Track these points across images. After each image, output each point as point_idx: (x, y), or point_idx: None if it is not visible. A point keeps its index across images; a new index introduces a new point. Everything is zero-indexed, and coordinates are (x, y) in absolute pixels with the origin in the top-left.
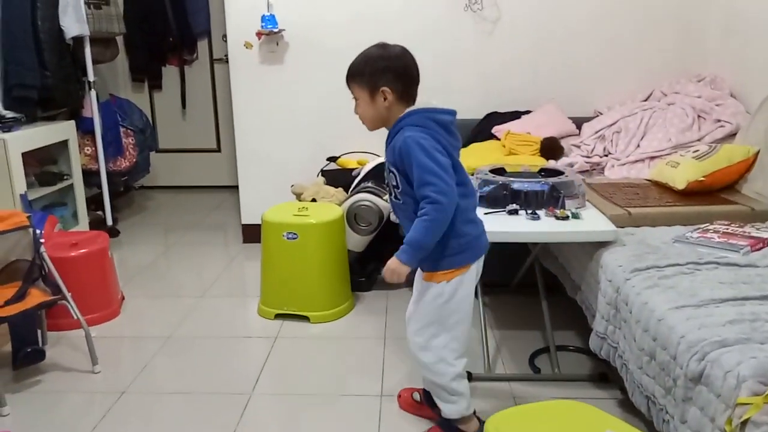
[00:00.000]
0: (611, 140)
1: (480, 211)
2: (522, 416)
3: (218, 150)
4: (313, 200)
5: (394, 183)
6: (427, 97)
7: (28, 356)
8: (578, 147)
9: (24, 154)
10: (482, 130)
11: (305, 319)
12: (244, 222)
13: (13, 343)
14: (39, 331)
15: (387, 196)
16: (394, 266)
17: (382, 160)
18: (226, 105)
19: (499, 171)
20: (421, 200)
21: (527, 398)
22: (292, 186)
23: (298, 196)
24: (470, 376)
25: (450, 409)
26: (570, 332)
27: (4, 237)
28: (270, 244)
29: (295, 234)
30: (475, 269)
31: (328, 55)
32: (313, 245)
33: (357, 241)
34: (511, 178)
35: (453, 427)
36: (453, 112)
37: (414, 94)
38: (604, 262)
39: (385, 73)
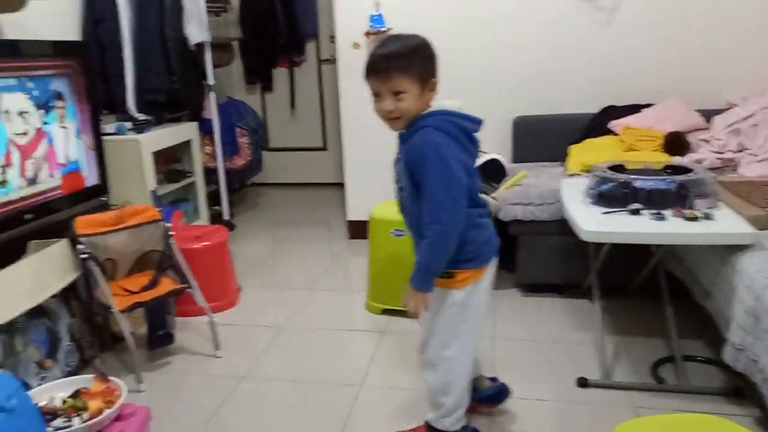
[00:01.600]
0: (747, 134)
1: (599, 211)
2: (650, 428)
3: (324, 148)
4: None
5: (401, 184)
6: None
7: (160, 339)
8: (707, 142)
9: (154, 154)
10: (598, 124)
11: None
12: (349, 218)
13: (148, 326)
14: (168, 316)
15: (494, 194)
16: (412, 296)
17: (490, 156)
18: (333, 104)
19: (618, 168)
20: (427, 216)
21: (650, 409)
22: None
23: None
24: (586, 382)
25: (444, 423)
26: (697, 341)
27: (140, 229)
28: (377, 241)
29: (401, 231)
30: (489, 274)
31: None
32: None
33: None
34: (633, 176)
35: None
36: (479, 122)
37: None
38: (742, 267)
39: (433, 61)
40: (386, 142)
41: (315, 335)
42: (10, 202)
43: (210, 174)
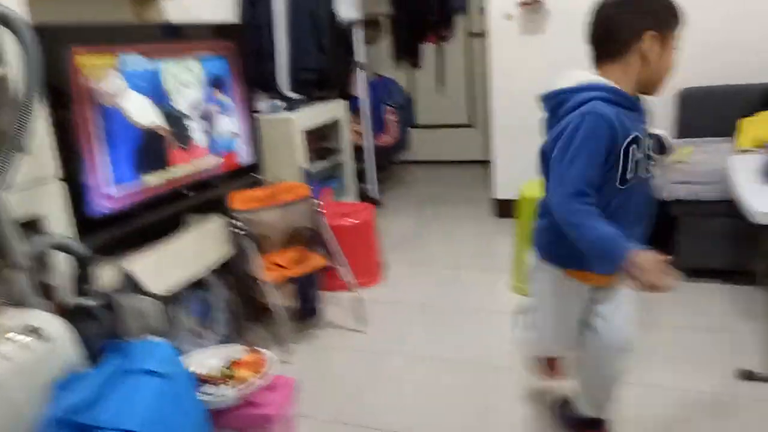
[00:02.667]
0: None
1: None
2: None
3: (471, 125)
4: None
5: (650, 154)
6: None
7: (309, 313)
8: None
9: (305, 132)
10: None
11: None
12: (496, 196)
13: (297, 299)
14: (317, 291)
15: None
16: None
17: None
18: (480, 80)
19: None
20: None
21: None
22: None
23: None
24: (751, 375)
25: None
26: None
27: (291, 206)
28: (526, 220)
29: None
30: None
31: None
32: None
33: None
34: None
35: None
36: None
37: None
38: None
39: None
40: (537, 117)
41: (459, 315)
42: (175, 179)
43: (358, 152)
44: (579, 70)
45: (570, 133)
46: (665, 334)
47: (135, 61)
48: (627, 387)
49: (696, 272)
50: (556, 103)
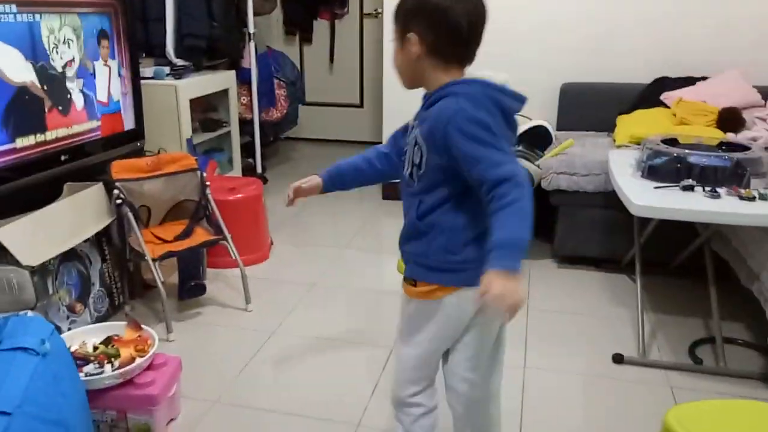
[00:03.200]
0: None
1: (649, 185)
2: (709, 413)
3: (361, 106)
4: None
5: (417, 161)
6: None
7: (192, 289)
8: (764, 120)
9: (191, 101)
10: (649, 95)
11: None
12: None
13: (180, 275)
14: (201, 267)
15: (538, 161)
16: (504, 283)
17: (535, 123)
18: (372, 61)
19: (671, 142)
20: (491, 183)
21: (687, 390)
22: None
23: None
24: (622, 359)
25: None
26: (739, 324)
27: (176, 177)
28: None
29: None
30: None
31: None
32: None
33: None
34: (687, 150)
35: None
36: (523, 101)
37: (458, 55)
38: None
39: (417, 14)
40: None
41: (345, 294)
42: (48, 141)
43: (244, 125)
44: None
45: None
46: (541, 317)
47: (7, 10)
48: (507, 370)
49: (572, 259)
50: None
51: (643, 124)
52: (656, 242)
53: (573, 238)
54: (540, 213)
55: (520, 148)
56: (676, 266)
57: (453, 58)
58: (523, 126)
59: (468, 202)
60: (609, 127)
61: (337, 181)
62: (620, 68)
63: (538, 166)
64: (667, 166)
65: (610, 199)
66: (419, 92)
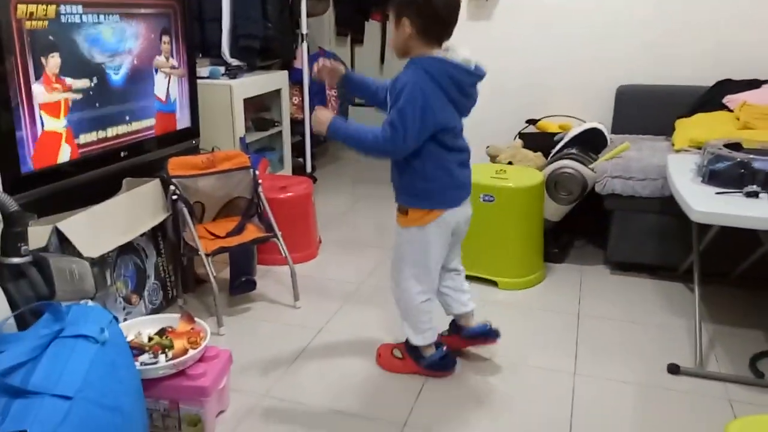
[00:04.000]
0: None
1: (711, 191)
2: None
3: None
4: (510, 163)
5: (387, 110)
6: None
7: (242, 285)
8: None
9: (244, 101)
10: (711, 99)
11: (493, 284)
12: None
13: (231, 271)
14: (252, 263)
15: (592, 165)
16: (323, 119)
17: (589, 125)
18: None
19: (735, 146)
20: (385, 123)
21: (746, 404)
22: (488, 147)
23: (493, 158)
24: (678, 369)
25: (417, 339)
26: None
27: (230, 175)
28: None
29: (491, 196)
30: (446, 223)
31: (539, 12)
32: (510, 209)
33: (555, 210)
34: (752, 155)
35: (413, 348)
36: (478, 75)
37: (437, 34)
38: None
39: (410, 5)
40: (479, 104)
41: (391, 295)
42: (109, 138)
43: (295, 125)
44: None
45: None
46: (593, 324)
47: (73, 11)
48: (555, 375)
49: (626, 266)
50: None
51: (704, 128)
52: (716, 250)
53: (627, 244)
54: (593, 217)
55: (573, 150)
56: (737, 276)
57: (433, 36)
58: (576, 129)
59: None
60: (666, 131)
61: (353, 81)
62: (679, 71)
63: (592, 170)
64: (729, 172)
65: (666, 205)
66: None
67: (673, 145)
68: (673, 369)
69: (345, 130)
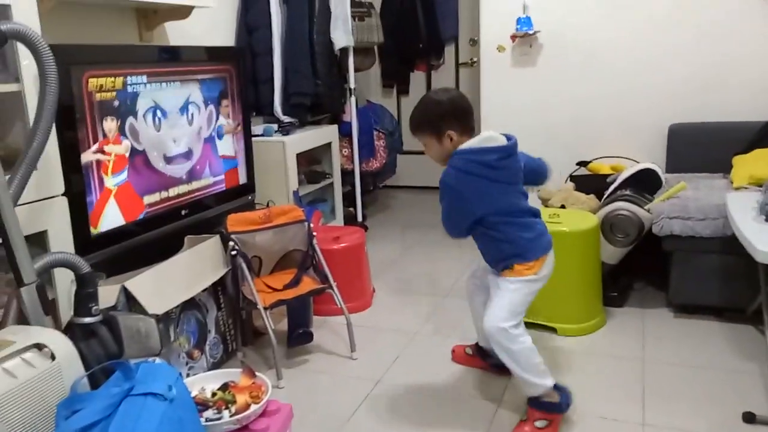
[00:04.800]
0: None
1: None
2: None
3: None
4: (562, 206)
5: None
6: None
7: (300, 337)
8: None
9: (297, 155)
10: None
11: (552, 330)
12: None
13: (289, 323)
14: (309, 315)
15: (648, 206)
16: None
17: (643, 166)
18: None
19: None
20: None
21: None
22: (539, 191)
23: (545, 202)
24: (754, 418)
25: (545, 381)
26: None
27: (286, 229)
28: None
29: None
30: (541, 269)
31: (584, 54)
32: (566, 254)
33: (611, 253)
34: None
35: (543, 403)
36: (502, 150)
37: (471, 125)
38: None
39: (443, 118)
40: (527, 146)
41: (449, 343)
42: (171, 198)
43: (346, 175)
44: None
45: None
46: (659, 370)
47: (138, 81)
48: (625, 426)
49: (689, 308)
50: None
51: (763, 164)
52: None
53: (689, 286)
54: (652, 259)
55: (627, 192)
56: None
57: (469, 130)
58: (629, 170)
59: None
60: (723, 169)
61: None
62: (732, 106)
63: (648, 211)
64: None
65: (728, 245)
66: (518, 136)
67: (731, 182)
68: (749, 418)
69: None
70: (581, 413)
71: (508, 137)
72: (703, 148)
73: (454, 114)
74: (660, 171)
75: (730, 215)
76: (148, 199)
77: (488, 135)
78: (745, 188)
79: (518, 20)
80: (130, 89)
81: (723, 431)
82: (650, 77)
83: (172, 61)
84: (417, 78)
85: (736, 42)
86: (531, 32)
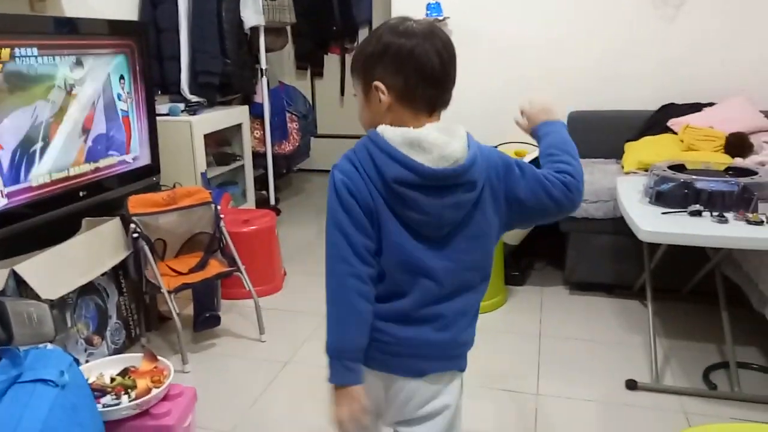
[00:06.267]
0: None
1: (657, 210)
2: None
3: None
4: None
5: None
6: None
7: (206, 321)
8: None
9: (205, 136)
10: (656, 122)
11: None
12: None
13: (195, 307)
14: (216, 299)
15: None
16: (335, 402)
17: (537, 153)
18: None
19: (678, 168)
20: None
21: (702, 416)
22: None
23: None
24: (635, 385)
25: None
26: (752, 348)
27: (191, 211)
28: None
29: None
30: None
31: (492, 42)
32: None
33: (513, 235)
34: (694, 176)
35: None
36: (437, 173)
37: (429, 98)
38: None
39: (381, 58)
40: None
41: None
42: (67, 179)
43: (257, 158)
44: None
45: None
46: (555, 344)
47: (29, 53)
48: (519, 396)
49: (583, 285)
50: None
51: (650, 151)
52: (667, 268)
53: (584, 265)
54: (550, 239)
55: None
56: (688, 291)
57: (423, 102)
58: (530, 154)
59: None
60: (617, 154)
61: None
62: (627, 95)
63: None
64: (674, 192)
65: (619, 226)
66: None
67: (622, 167)
68: (631, 385)
69: (329, 345)
70: (481, 386)
71: (471, 156)
72: (598, 135)
73: (400, 59)
74: None
75: (618, 198)
76: (40, 180)
77: (425, 135)
78: (634, 173)
79: (428, 5)
80: (19, 62)
81: (609, 398)
82: (553, 66)
83: (68, 33)
84: (331, 61)
85: (631, 35)
86: (441, 18)
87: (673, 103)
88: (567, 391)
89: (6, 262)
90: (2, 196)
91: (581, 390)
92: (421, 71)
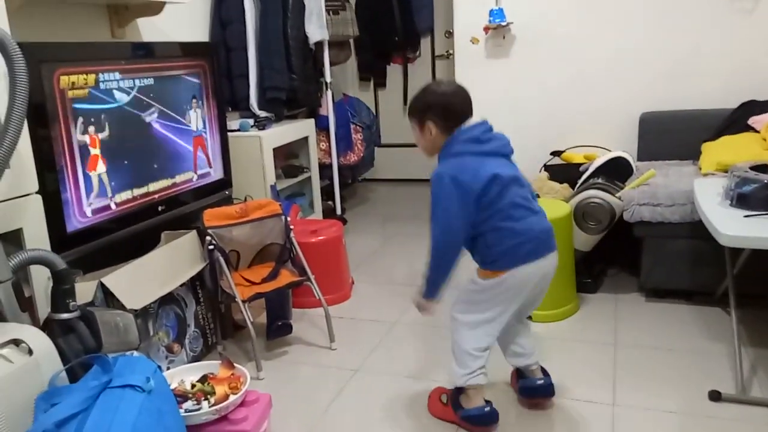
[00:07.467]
0: None
1: (739, 214)
2: None
3: None
4: (537, 195)
5: None
6: None
7: (279, 329)
8: None
9: (273, 150)
10: (736, 120)
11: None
12: None
13: (267, 316)
14: (287, 307)
15: (619, 193)
16: (418, 302)
17: (614, 154)
18: None
19: (761, 168)
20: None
21: None
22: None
23: None
24: (719, 396)
25: (457, 375)
26: None
27: (263, 223)
28: None
29: None
30: (521, 274)
31: (556, 46)
32: None
33: (584, 240)
34: None
35: (455, 393)
36: (496, 139)
37: (456, 125)
38: None
39: (428, 109)
40: None
41: (426, 332)
42: (147, 194)
43: (323, 169)
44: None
45: None
46: (630, 353)
47: (112, 78)
48: (595, 406)
49: (660, 292)
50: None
51: (730, 151)
52: (751, 273)
53: (660, 271)
54: (625, 245)
55: (599, 180)
56: None
57: (454, 128)
58: (601, 158)
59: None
60: (693, 155)
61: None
62: (701, 94)
63: (619, 198)
64: (757, 194)
65: (697, 230)
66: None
67: (700, 169)
68: (715, 396)
69: (428, 280)
70: (557, 396)
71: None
72: (673, 135)
73: (439, 108)
74: (631, 159)
75: (696, 201)
76: (123, 196)
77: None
78: (713, 174)
79: (491, 12)
80: (102, 86)
81: (690, 410)
82: (621, 67)
83: (145, 57)
84: (394, 71)
85: (705, 32)
86: (504, 24)
87: (753, 100)
88: (646, 402)
89: (94, 275)
90: (90, 213)
91: (661, 401)
92: (454, 113)
